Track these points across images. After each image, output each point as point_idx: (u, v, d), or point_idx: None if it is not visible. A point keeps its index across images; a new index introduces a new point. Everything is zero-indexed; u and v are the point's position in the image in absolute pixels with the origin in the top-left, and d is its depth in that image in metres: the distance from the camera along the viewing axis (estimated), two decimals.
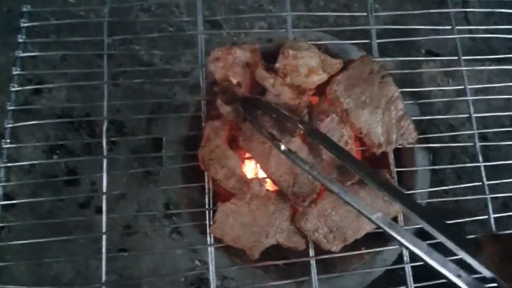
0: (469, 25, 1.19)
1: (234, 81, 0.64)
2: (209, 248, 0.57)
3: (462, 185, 0.66)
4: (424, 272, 0.62)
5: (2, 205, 0.72)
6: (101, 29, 0.68)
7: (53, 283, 0.91)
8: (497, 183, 0.68)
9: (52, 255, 0.91)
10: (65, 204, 0.98)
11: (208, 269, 0.57)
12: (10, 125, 0.62)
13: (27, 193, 0.97)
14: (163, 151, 0.67)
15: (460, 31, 0.73)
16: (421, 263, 0.60)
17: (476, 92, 1.07)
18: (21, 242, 0.64)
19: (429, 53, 1.18)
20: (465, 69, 0.68)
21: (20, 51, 0.62)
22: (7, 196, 0.96)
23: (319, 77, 0.63)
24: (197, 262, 0.97)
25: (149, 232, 0.98)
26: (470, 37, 1.21)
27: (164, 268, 0.96)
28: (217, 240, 0.59)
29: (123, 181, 1.01)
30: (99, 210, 0.99)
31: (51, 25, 1.00)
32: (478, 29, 1.14)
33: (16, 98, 0.64)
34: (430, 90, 0.98)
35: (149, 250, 0.95)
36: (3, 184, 0.62)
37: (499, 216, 0.66)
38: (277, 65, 0.62)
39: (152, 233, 0.99)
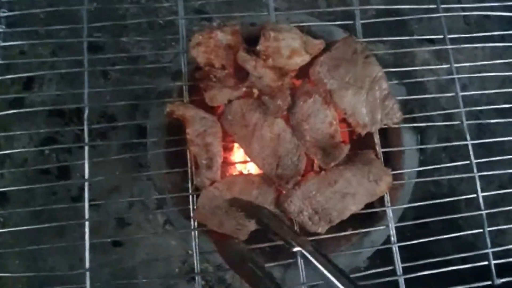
0: (462, 7, 1.17)
1: (218, 64, 0.63)
2: (192, 233, 0.57)
3: (449, 164, 0.65)
4: (412, 253, 0.62)
5: None
6: (88, 18, 0.68)
7: (47, 276, 0.91)
8: (487, 162, 0.67)
9: (46, 248, 0.91)
10: (57, 198, 0.98)
11: (192, 253, 0.57)
12: None
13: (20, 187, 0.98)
14: (148, 138, 0.67)
15: (448, 10, 0.72)
16: (409, 243, 0.61)
17: (470, 74, 1.06)
18: (9, 229, 0.64)
19: (423, 36, 1.16)
20: (450, 47, 0.67)
21: (0, 41, 0.62)
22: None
23: (301, 58, 0.62)
24: (191, 252, 0.97)
25: (142, 224, 0.99)
26: (464, 19, 1.19)
27: (158, 259, 0.96)
28: (202, 225, 0.58)
29: (116, 173, 1.01)
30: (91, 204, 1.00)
31: (37, 15, 1.01)
32: (471, 8, 1.13)
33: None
34: (420, 72, 0.98)
35: (143, 241, 0.95)
36: None
37: (489, 195, 0.65)
38: (258, 47, 0.61)
39: (145, 224, 0.99)
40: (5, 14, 0.63)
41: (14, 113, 0.65)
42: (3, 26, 0.62)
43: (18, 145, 1.00)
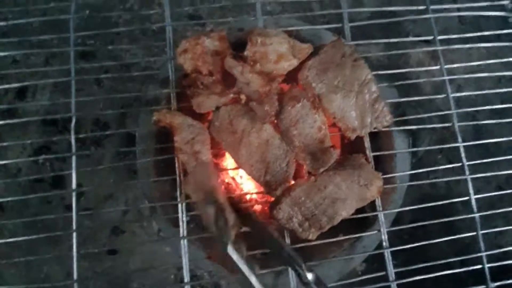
0: (456, 3, 1.17)
1: (205, 70, 0.63)
2: (182, 241, 0.57)
3: (442, 167, 0.64)
4: (410, 256, 0.61)
5: None
6: (78, 26, 0.68)
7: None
8: (483, 162, 0.66)
9: (40, 259, 0.92)
10: (52, 206, 0.98)
11: (181, 261, 0.56)
12: None
13: (14, 196, 0.97)
14: (136, 146, 0.66)
15: (441, 11, 0.72)
16: (401, 247, 0.60)
17: (465, 73, 1.05)
18: (6, 240, 0.64)
19: (417, 37, 1.16)
20: (440, 48, 0.66)
21: None
22: None
23: (289, 63, 0.61)
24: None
25: (137, 231, 0.98)
26: (459, 20, 1.19)
27: (153, 267, 0.96)
28: (191, 233, 0.58)
29: (110, 181, 1.01)
30: (85, 211, 1.00)
31: (29, 24, 1.01)
32: (466, 8, 1.12)
33: None
34: (414, 74, 0.97)
35: (137, 248, 0.95)
36: None
37: (484, 197, 0.64)
38: (246, 53, 0.61)
39: (140, 231, 0.99)
40: None
41: (7, 123, 0.65)
42: None
43: (12, 154, 1.00)
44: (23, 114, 1.01)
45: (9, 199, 0.65)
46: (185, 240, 0.57)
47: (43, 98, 1.03)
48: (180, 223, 0.57)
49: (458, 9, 1.15)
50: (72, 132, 0.60)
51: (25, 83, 0.96)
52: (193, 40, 0.62)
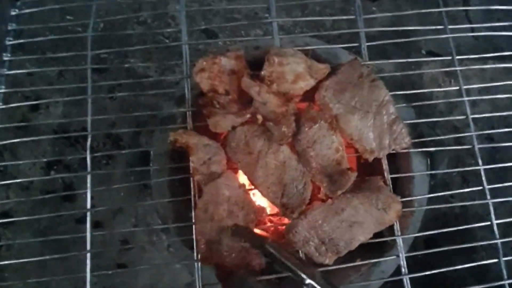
0: (471, 23, 1.16)
1: (221, 89, 0.62)
2: (195, 264, 0.56)
3: (461, 190, 0.62)
4: (425, 277, 0.59)
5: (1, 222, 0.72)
6: (94, 43, 0.68)
7: None
8: (501, 181, 0.64)
9: (50, 271, 0.92)
10: (62, 219, 0.98)
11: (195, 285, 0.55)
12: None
13: (25, 210, 0.97)
14: (151, 165, 0.66)
15: (456, 30, 0.71)
16: (420, 274, 0.58)
17: (480, 91, 1.04)
18: (17, 261, 0.63)
19: (430, 53, 1.15)
20: (459, 69, 0.65)
21: (5, 69, 0.62)
22: (5, 214, 0.98)
23: (306, 83, 0.61)
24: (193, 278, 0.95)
25: (146, 246, 0.97)
26: (472, 36, 1.18)
27: (162, 282, 0.95)
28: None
29: (121, 195, 1.00)
30: (95, 225, 1.00)
31: (46, 41, 1.02)
32: (480, 27, 1.11)
33: (5, 115, 0.66)
34: (430, 92, 0.96)
35: (147, 263, 0.94)
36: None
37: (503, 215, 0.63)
38: (263, 72, 0.61)
39: (150, 247, 0.98)
40: (11, 43, 0.63)
41: (21, 134, 0.66)
42: (9, 55, 0.63)
43: (24, 166, 1.00)
44: (36, 126, 1.01)
45: (23, 218, 0.64)
46: (199, 264, 0.56)
47: (57, 110, 1.04)
48: (195, 245, 0.56)
49: (472, 29, 1.14)
50: (88, 151, 0.59)
51: (43, 100, 0.96)
52: (210, 59, 0.62)
